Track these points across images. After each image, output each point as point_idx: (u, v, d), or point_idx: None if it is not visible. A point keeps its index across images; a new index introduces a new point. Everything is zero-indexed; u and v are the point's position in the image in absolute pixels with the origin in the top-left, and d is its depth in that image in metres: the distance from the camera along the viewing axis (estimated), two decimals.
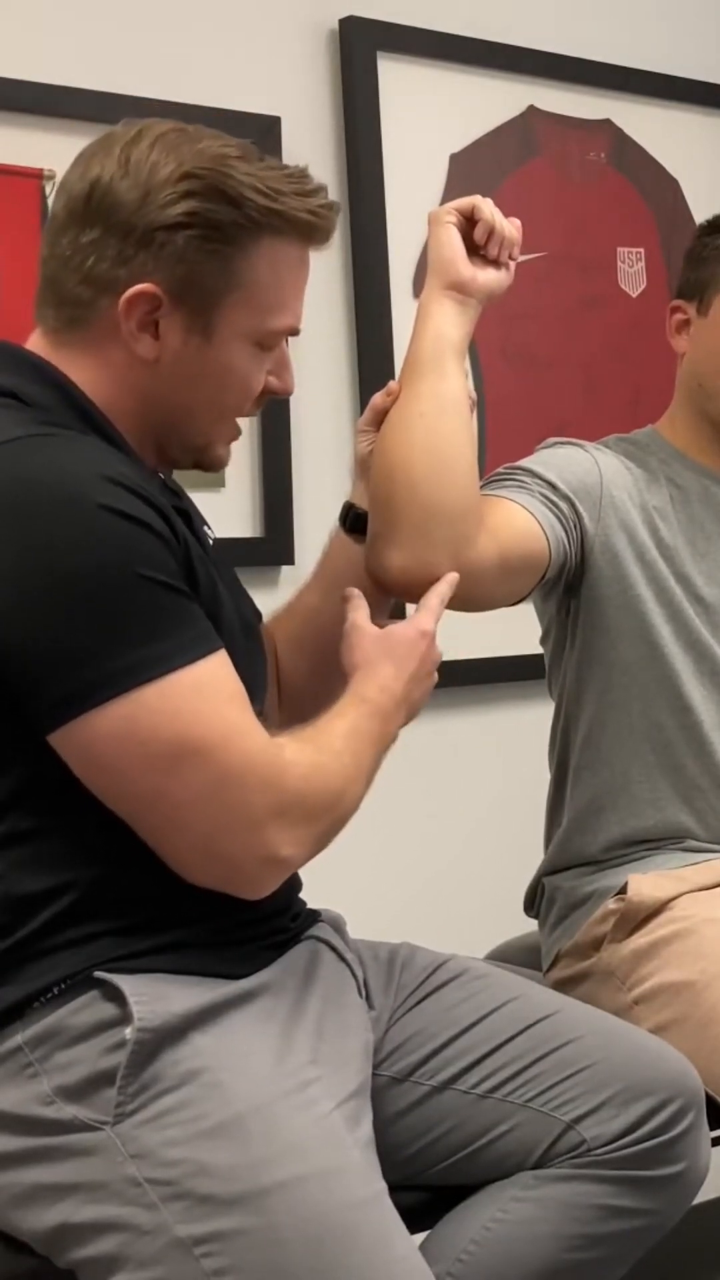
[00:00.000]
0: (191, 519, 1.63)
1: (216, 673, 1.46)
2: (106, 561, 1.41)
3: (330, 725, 1.56)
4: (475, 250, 1.78)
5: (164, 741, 1.42)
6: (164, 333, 1.54)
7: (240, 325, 1.55)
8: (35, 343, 1.58)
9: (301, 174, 1.58)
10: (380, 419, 1.77)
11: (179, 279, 1.52)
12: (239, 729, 1.45)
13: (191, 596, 1.48)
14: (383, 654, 1.64)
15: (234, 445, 2.62)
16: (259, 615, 1.80)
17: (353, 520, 1.80)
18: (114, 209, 1.52)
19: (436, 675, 1.69)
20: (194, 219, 1.51)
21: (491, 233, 1.77)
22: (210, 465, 1.64)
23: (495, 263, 1.79)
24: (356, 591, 1.71)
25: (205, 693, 1.44)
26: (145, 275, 1.52)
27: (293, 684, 1.81)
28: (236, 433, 1.63)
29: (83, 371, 1.54)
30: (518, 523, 1.85)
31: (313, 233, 1.57)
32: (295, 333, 1.61)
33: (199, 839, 1.45)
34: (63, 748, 1.44)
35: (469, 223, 1.78)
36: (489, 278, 1.78)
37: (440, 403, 1.74)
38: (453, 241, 1.77)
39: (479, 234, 1.78)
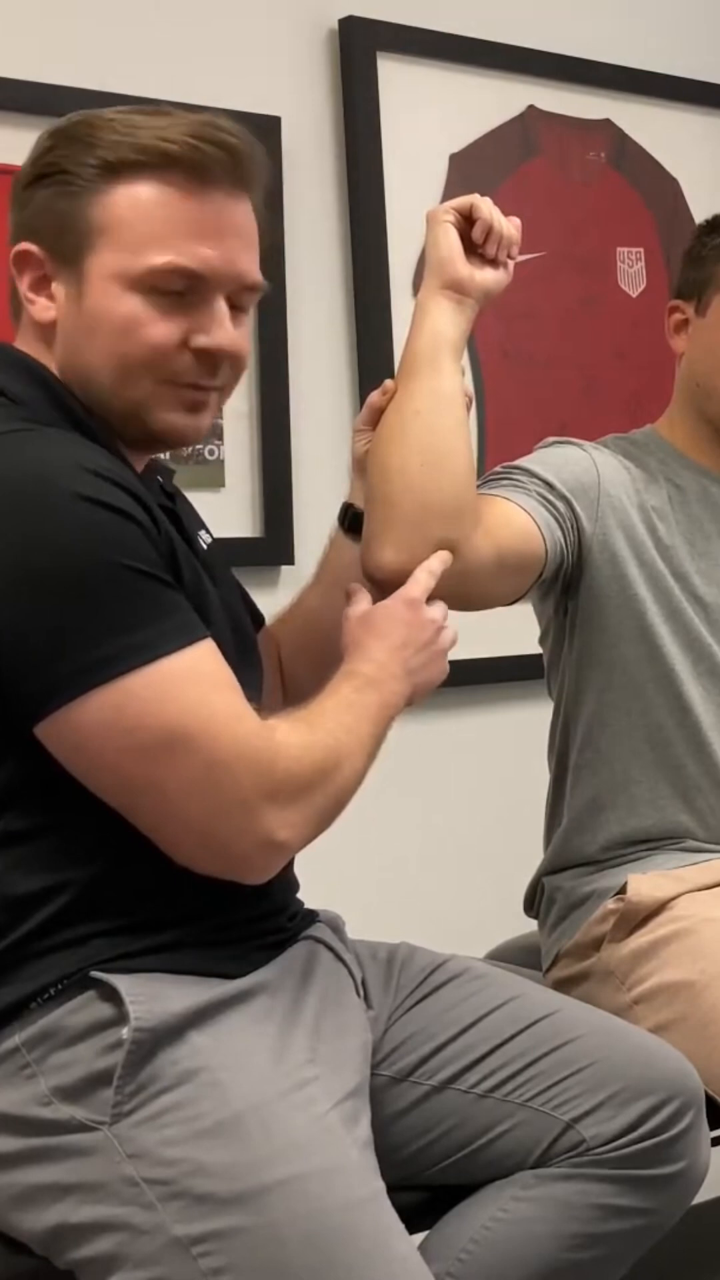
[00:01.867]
0: (182, 521, 1.63)
1: (203, 660, 1.45)
2: (85, 551, 1.40)
3: (322, 704, 1.56)
4: (473, 249, 1.78)
5: (151, 730, 1.41)
6: (55, 293, 1.53)
7: (108, 267, 1.51)
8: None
9: (196, 117, 1.53)
10: (377, 418, 1.77)
11: (48, 233, 1.52)
12: (227, 714, 1.44)
13: (175, 586, 1.47)
14: (366, 631, 1.64)
15: (234, 445, 2.66)
16: (261, 621, 1.80)
17: (351, 520, 1.81)
18: (13, 187, 1.55)
19: (443, 640, 1.67)
20: (51, 168, 1.52)
21: (490, 232, 1.77)
22: (167, 436, 1.57)
23: (493, 262, 1.79)
24: (359, 587, 1.71)
25: (191, 680, 1.43)
26: (26, 235, 1.53)
27: (296, 685, 1.81)
28: (191, 399, 1.55)
29: (33, 355, 1.55)
30: (514, 522, 1.85)
31: (182, 166, 1.50)
32: (198, 278, 1.51)
33: (194, 826, 1.45)
34: (50, 740, 1.43)
35: (467, 222, 1.77)
36: (487, 277, 1.78)
37: (436, 401, 1.74)
38: (450, 240, 1.76)
39: (477, 233, 1.77)
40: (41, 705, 1.41)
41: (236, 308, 1.56)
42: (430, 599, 1.68)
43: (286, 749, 1.48)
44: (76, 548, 1.40)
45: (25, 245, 1.53)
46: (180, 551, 1.53)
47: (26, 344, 1.57)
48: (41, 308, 1.54)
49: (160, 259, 1.50)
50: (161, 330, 1.51)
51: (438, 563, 1.70)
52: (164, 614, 1.44)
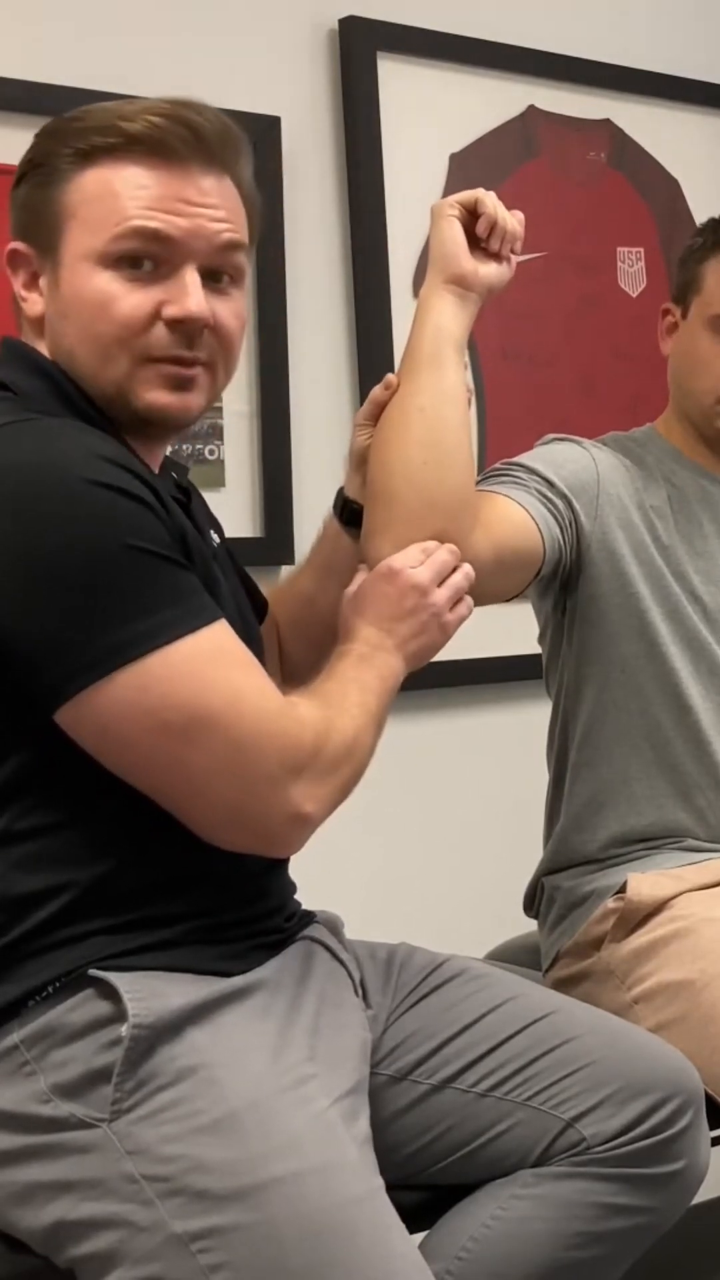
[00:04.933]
0: (194, 516, 1.63)
1: (222, 639, 1.46)
2: (96, 534, 1.41)
3: (328, 683, 1.58)
4: (477, 244, 1.78)
5: (176, 709, 1.42)
6: (41, 286, 1.55)
7: (79, 248, 1.51)
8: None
9: (161, 99, 1.55)
10: (378, 412, 1.77)
11: (29, 227, 1.54)
12: (250, 691, 1.46)
13: (188, 567, 1.47)
14: (352, 609, 1.66)
15: (234, 445, 2.66)
16: (265, 609, 1.80)
17: (349, 515, 1.81)
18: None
19: (433, 602, 1.65)
20: (30, 165, 1.55)
21: (494, 226, 1.77)
22: (153, 416, 1.55)
23: (497, 257, 1.79)
24: (362, 568, 1.72)
25: (213, 658, 1.44)
26: (15, 236, 1.56)
27: (295, 666, 1.82)
28: (172, 375, 1.53)
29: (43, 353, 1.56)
30: (513, 519, 1.85)
31: (142, 144, 1.51)
32: (161, 239, 1.51)
33: (222, 804, 1.46)
34: (73, 725, 1.43)
35: (471, 216, 1.77)
36: (490, 272, 1.78)
37: (439, 397, 1.74)
38: (455, 235, 1.76)
39: (481, 228, 1.77)
40: (63, 690, 1.41)
41: (218, 280, 1.55)
42: (431, 573, 1.67)
43: (310, 723, 1.49)
44: (91, 532, 1.41)
45: (15, 244, 1.56)
46: (192, 539, 1.53)
47: (38, 346, 1.58)
48: (32, 303, 1.55)
49: (122, 229, 1.50)
50: (131, 303, 1.51)
51: (443, 551, 1.69)
52: (181, 595, 1.44)
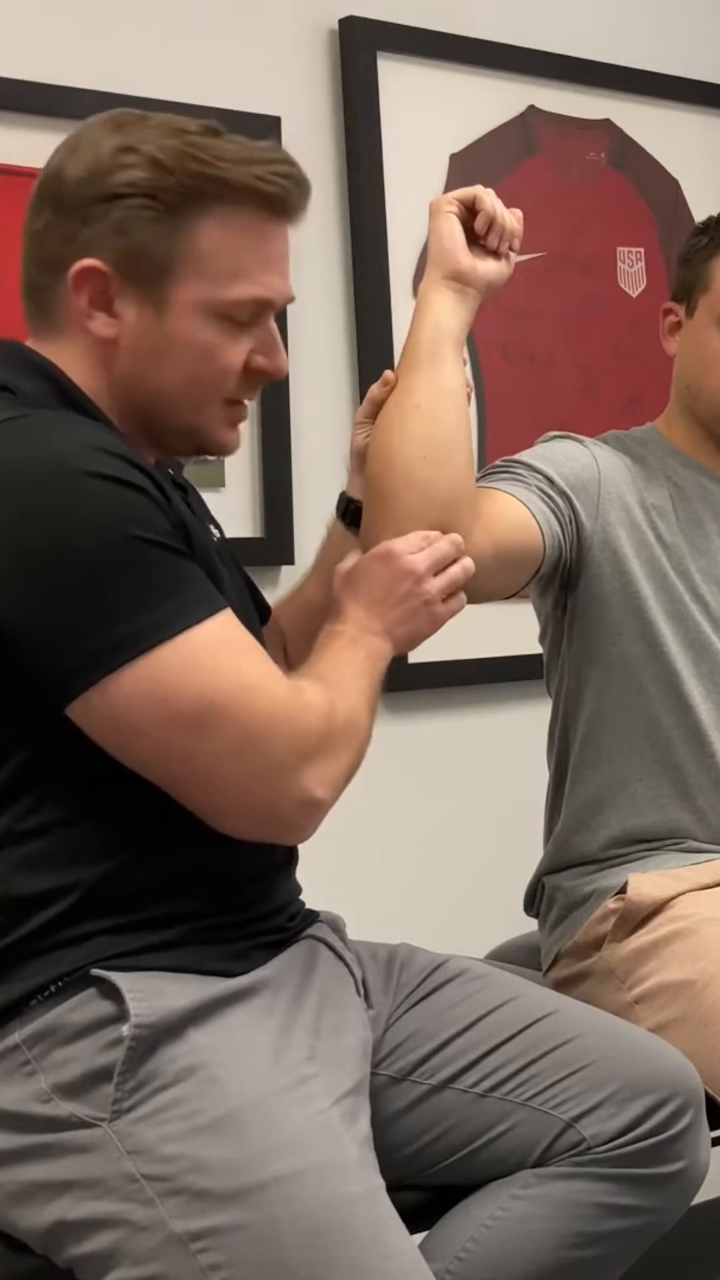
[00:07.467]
0: (194, 508, 1.63)
1: (228, 628, 1.47)
2: (99, 527, 1.41)
3: (323, 663, 1.58)
4: (475, 241, 1.78)
5: (187, 699, 1.42)
6: (120, 310, 1.53)
7: (193, 296, 1.52)
8: (30, 343, 1.58)
9: (263, 147, 1.56)
10: (377, 410, 1.77)
11: (123, 252, 1.51)
12: (259, 679, 1.46)
13: (190, 557, 1.48)
14: (344, 589, 1.66)
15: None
16: (268, 613, 1.80)
17: (351, 514, 1.81)
18: (60, 189, 1.53)
19: (426, 589, 1.65)
20: (132, 189, 1.51)
21: (492, 223, 1.77)
22: (214, 450, 1.62)
23: (495, 254, 1.79)
24: (355, 553, 1.72)
25: (220, 648, 1.45)
26: (90, 251, 1.51)
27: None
28: (238, 415, 1.60)
29: (63, 362, 1.54)
30: (513, 516, 1.85)
31: (266, 200, 1.53)
32: (271, 306, 1.57)
33: (234, 792, 1.46)
34: (86, 718, 1.43)
35: (470, 213, 1.77)
36: (489, 268, 1.78)
37: (437, 395, 1.74)
38: (453, 231, 1.76)
39: (480, 224, 1.77)
40: (73, 685, 1.42)
41: None
42: (429, 561, 1.67)
43: (316, 707, 1.49)
44: (94, 525, 1.41)
45: (92, 262, 1.51)
46: (194, 528, 1.54)
47: (59, 350, 1.55)
48: (102, 324, 1.53)
49: (244, 293, 1.53)
50: (232, 355, 1.55)
51: (445, 542, 1.69)
52: (185, 585, 1.45)
